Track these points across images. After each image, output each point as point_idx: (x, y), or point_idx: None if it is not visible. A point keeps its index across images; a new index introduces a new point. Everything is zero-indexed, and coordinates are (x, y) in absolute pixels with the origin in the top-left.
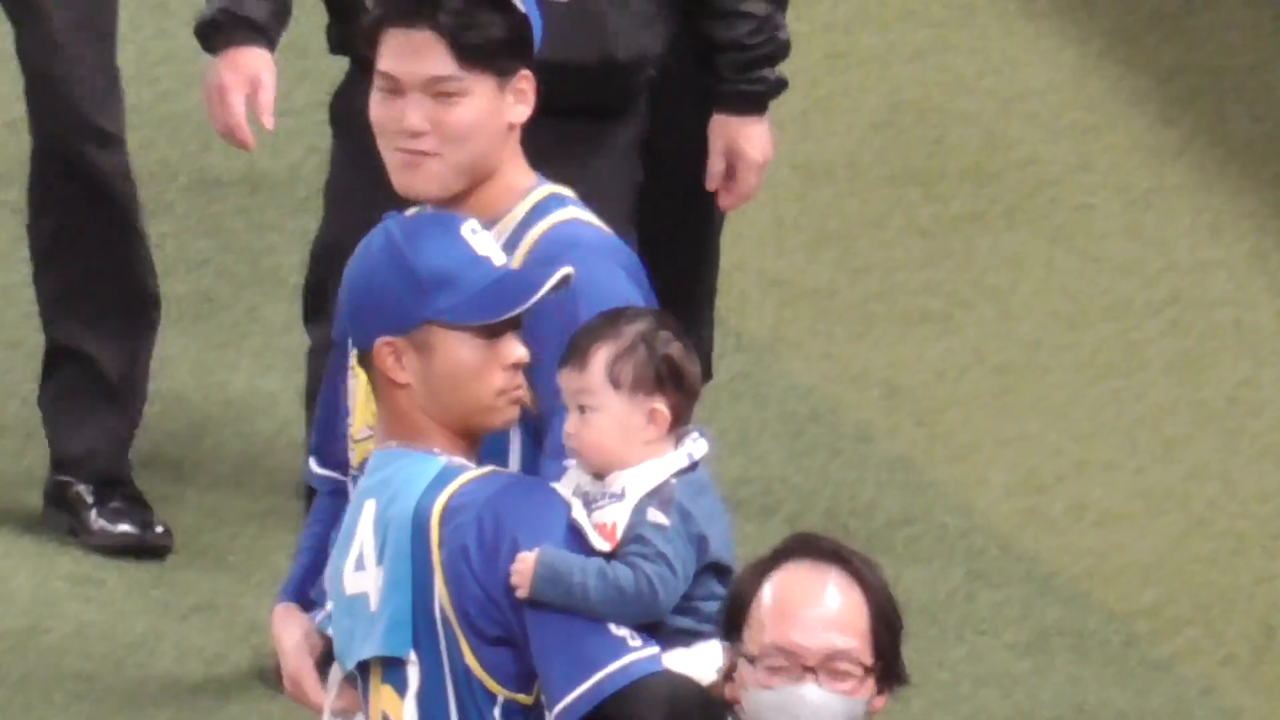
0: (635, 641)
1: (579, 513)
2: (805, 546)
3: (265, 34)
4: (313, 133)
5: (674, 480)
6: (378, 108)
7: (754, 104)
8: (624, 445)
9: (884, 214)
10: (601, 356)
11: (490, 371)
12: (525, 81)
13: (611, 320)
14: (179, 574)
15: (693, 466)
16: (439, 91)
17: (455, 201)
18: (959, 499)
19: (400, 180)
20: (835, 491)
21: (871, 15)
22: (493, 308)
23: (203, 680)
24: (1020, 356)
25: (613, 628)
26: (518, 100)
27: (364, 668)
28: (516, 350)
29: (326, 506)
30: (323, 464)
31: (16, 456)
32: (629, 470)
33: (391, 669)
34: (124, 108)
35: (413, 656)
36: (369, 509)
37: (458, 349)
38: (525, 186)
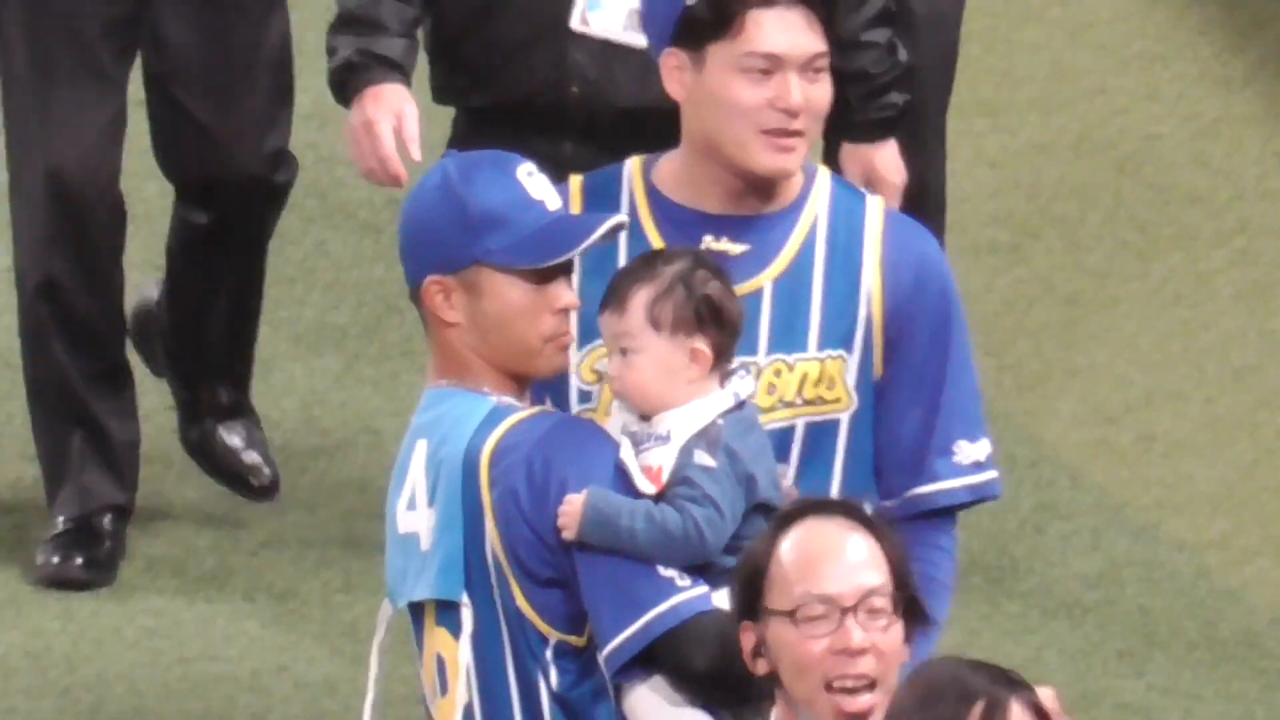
0: (684, 581)
1: (627, 454)
2: (807, 508)
3: (401, 70)
4: None
5: (720, 420)
6: (745, 89)
7: (885, 129)
8: (667, 386)
9: (952, 144)
10: (641, 298)
11: (539, 316)
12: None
13: (649, 262)
14: (248, 510)
15: (739, 405)
16: (814, 68)
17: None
18: (1028, 430)
19: (765, 161)
20: None
21: None
22: (543, 251)
23: (272, 617)
24: (1089, 287)
25: (661, 569)
26: None
27: (416, 609)
28: (566, 295)
29: None
30: None
31: None
32: (674, 411)
33: (446, 611)
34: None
35: (466, 599)
36: (421, 448)
37: (507, 291)
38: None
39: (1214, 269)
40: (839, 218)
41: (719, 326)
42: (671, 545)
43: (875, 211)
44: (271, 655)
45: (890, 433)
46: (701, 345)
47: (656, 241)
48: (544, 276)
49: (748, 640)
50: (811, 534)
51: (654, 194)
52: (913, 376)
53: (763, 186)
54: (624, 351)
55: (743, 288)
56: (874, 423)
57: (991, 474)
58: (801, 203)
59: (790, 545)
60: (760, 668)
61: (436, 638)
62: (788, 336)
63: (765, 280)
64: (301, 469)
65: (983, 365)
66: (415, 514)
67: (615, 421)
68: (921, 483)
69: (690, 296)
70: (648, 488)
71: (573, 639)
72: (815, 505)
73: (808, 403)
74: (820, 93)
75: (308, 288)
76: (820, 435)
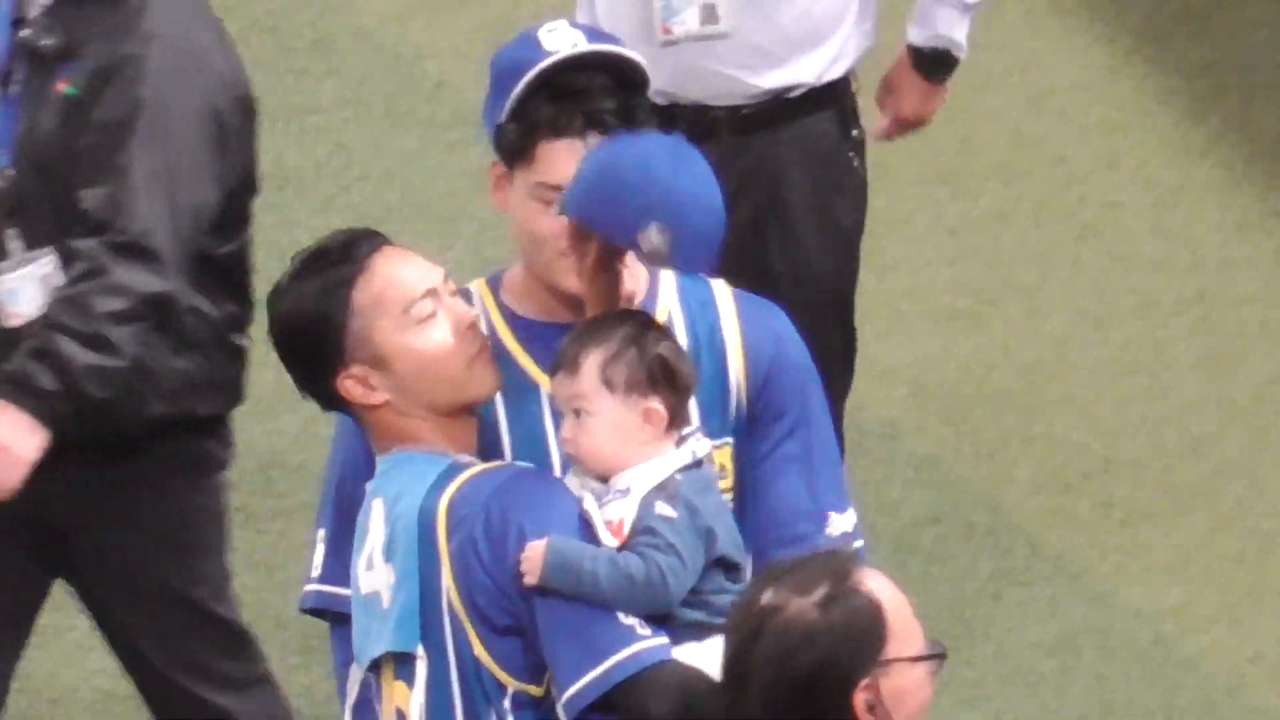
0: (644, 630)
1: (590, 505)
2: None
3: None
4: (339, 130)
5: (679, 476)
6: (540, 218)
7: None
8: (622, 447)
9: (912, 212)
10: (593, 360)
11: (449, 348)
12: None
13: (599, 325)
14: None
15: (696, 463)
16: None
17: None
18: (986, 497)
19: (570, 283)
20: (862, 490)
21: (899, 13)
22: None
23: None
24: (1047, 354)
25: (621, 616)
26: None
27: (377, 665)
28: (461, 310)
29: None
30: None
31: None
32: (632, 469)
33: (402, 664)
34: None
35: (421, 651)
36: (377, 507)
37: (410, 343)
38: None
39: (1173, 337)
40: (692, 309)
41: (672, 387)
42: (634, 591)
43: (725, 295)
44: None
45: (763, 506)
46: (655, 405)
47: (524, 361)
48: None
49: (862, 700)
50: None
51: (507, 312)
52: (781, 451)
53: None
54: (577, 413)
55: None
56: (744, 496)
57: (859, 543)
58: (651, 302)
59: (888, 590)
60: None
61: (395, 690)
62: None
63: None
64: (259, 531)
65: (940, 432)
66: (374, 573)
67: (571, 481)
68: (793, 548)
69: (643, 357)
70: (610, 541)
71: (531, 688)
72: (842, 559)
73: None
74: None
75: (266, 349)
76: None
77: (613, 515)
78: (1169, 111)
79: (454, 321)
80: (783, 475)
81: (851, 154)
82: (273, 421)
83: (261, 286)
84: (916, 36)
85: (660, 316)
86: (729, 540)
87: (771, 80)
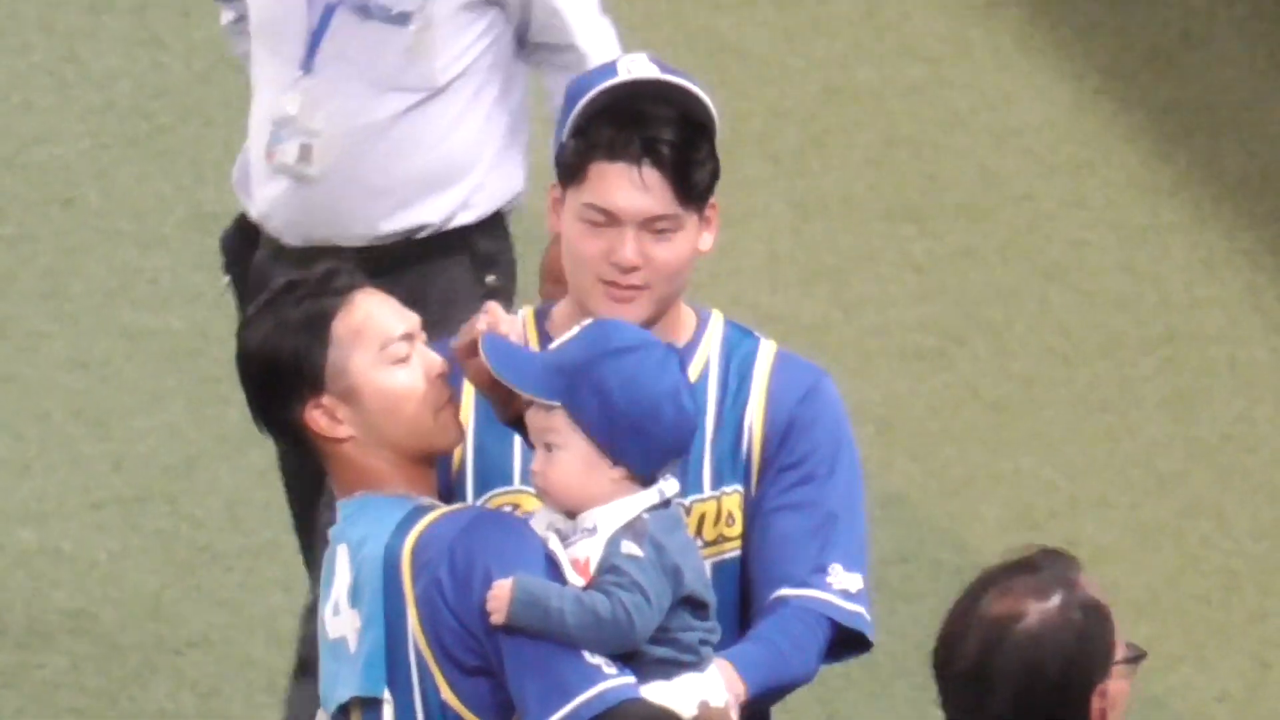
0: (610, 669)
1: (555, 545)
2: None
3: None
4: None
5: (646, 515)
6: (585, 239)
7: None
8: (590, 484)
9: (878, 249)
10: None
11: (418, 392)
12: (713, 210)
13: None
14: (173, 608)
15: (665, 503)
16: (656, 229)
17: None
18: (953, 535)
19: (601, 310)
20: None
21: (867, 51)
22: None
23: (195, 715)
24: (1014, 392)
25: (588, 655)
26: (706, 229)
27: (345, 710)
28: (432, 358)
29: None
30: None
31: (9, 490)
32: (601, 507)
33: (369, 708)
34: None
35: (387, 695)
36: (342, 552)
37: (381, 381)
38: (695, 311)
39: (1140, 376)
40: (730, 360)
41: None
42: (600, 629)
43: (767, 352)
44: None
45: (764, 549)
46: (605, 460)
47: None
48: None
49: (1097, 706)
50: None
51: (545, 340)
52: (791, 498)
53: None
54: (549, 447)
55: None
56: (749, 542)
57: (860, 608)
58: (693, 347)
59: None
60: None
61: None
62: (681, 480)
63: None
64: (227, 568)
65: (908, 470)
66: (340, 618)
67: (540, 518)
68: (788, 587)
69: None
70: (577, 580)
71: None
72: (1053, 559)
73: (709, 544)
74: (666, 252)
75: (233, 388)
76: (723, 576)
77: (579, 554)
78: (1136, 150)
79: (425, 368)
80: (786, 521)
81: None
82: (239, 459)
83: (228, 325)
84: None
85: (698, 362)
86: (696, 578)
87: (396, 222)
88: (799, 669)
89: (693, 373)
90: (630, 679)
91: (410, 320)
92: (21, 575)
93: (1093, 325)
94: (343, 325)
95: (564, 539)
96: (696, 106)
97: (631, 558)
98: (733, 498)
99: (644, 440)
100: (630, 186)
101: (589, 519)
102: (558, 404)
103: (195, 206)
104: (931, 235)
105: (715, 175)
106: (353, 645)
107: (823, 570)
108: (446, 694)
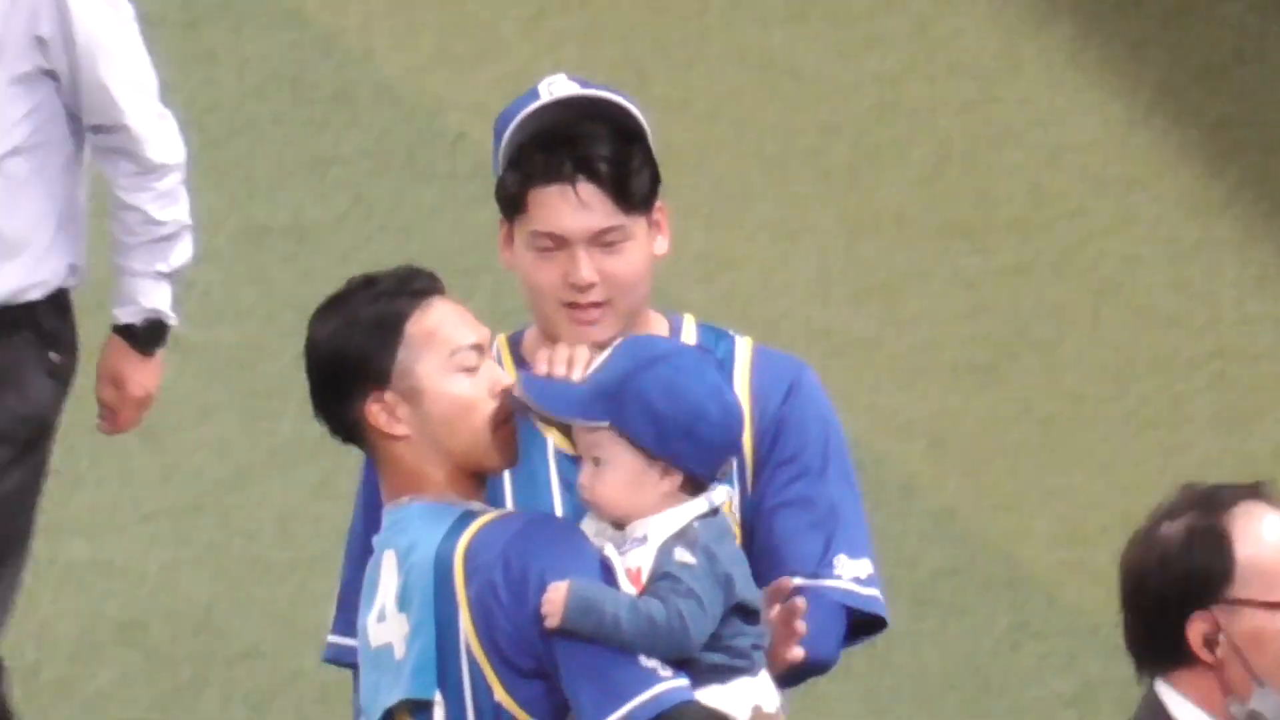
0: (665, 672)
1: (610, 551)
2: (1233, 493)
3: None
4: (359, 182)
5: (697, 523)
6: (538, 267)
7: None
8: (636, 498)
9: (930, 265)
10: None
11: (480, 403)
12: (660, 212)
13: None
14: (224, 621)
15: (714, 512)
16: (605, 242)
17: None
18: (1004, 550)
19: (570, 335)
20: (880, 543)
21: (919, 67)
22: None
23: None
24: (1066, 409)
25: (642, 659)
26: (658, 232)
27: (390, 716)
28: (498, 375)
29: None
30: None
31: (61, 503)
32: (651, 517)
33: (419, 712)
34: None
35: (438, 698)
36: (389, 559)
37: (447, 386)
38: (665, 318)
39: (1191, 392)
40: None
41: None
42: (655, 635)
43: (744, 349)
44: None
45: (766, 547)
46: (652, 463)
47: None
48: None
49: (1198, 629)
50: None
51: (522, 365)
52: (787, 494)
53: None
54: (596, 461)
55: None
56: (749, 541)
57: (874, 591)
58: None
59: (1262, 533)
60: (1207, 656)
61: None
62: None
63: None
64: (279, 580)
65: (959, 485)
66: (386, 625)
67: (588, 525)
68: (801, 580)
69: None
70: (630, 589)
71: None
72: (1237, 491)
73: None
74: (620, 264)
75: (284, 401)
76: None
77: (631, 563)
78: (1188, 166)
79: (490, 383)
80: (787, 518)
81: (50, 380)
82: (290, 472)
83: (279, 339)
84: (126, 315)
85: None
86: (746, 586)
87: None
88: (821, 654)
89: None
90: (685, 682)
91: (482, 333)
92: (73, 587)
93: (1144, 341)
94: (416, 326)
95: (616, 547)
96: (624, 117)
97: (685, 565)
98: (725, 502)
99: (696, 442)
100: (570, 206)
101: (639, 528)
102: (605, 423)
103: (246, 220)
104: (983, 251)
105: (655, 179)
106: (399, 651)
107: (830, 565)
108: (500, 695)
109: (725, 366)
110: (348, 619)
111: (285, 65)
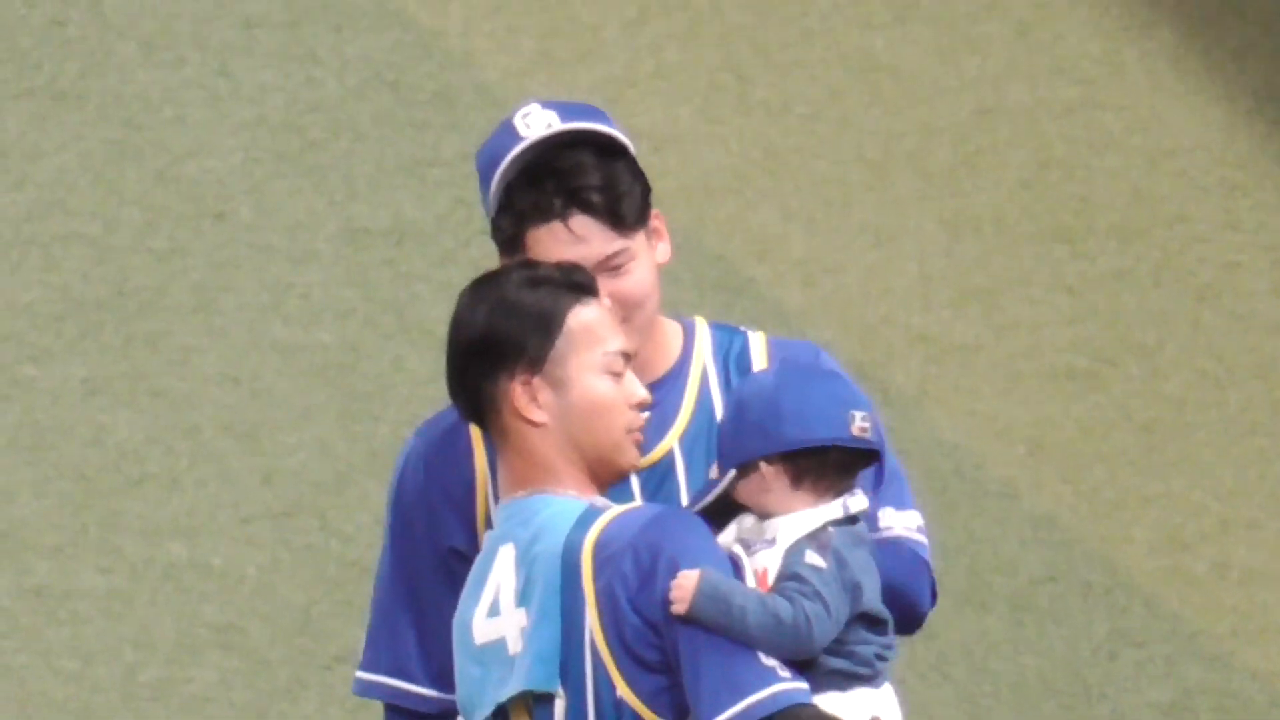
0: (784, 672)
1: (740, 550)
2: None
3: None
4: (459, 184)
5: (831, 529)
6: None
7: None
8: (743, 488)
9: (1030, 270)
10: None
11: (620, 407)
12: (657, 219)
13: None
14: (322, 623)
15: (850, 519)
16: (609, 267)
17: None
18: (1103, 557)
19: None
20: (979, 548)
21: (1020, 71)
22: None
23: None
24: (1166, 414)
25: (762, 656)
26: (658, 239)
27: (500, 714)
28: (641, 390)
29: None
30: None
31: (159, 505)
32: (784, 517)
33: (541, 705)
34: None
35: (560, 690)
36: (506, 553)
37: (594, 383)
38: (680, 324)
39: None
40: (726, 359)
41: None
42: (780, 632)
43: (758, 342)
44: None
45: None
46: (766, 467)
47: None
48: (619, 370)
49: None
50: None
51: None
52: None
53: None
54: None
55: (652, 455)
56: None
57: (923, 539)
58: (686, 358)
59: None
60: None
61: None
62: (705, 481)
63: (672, 442)
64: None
65: (1058, 491)
66: (499, 619)
67: (732, 526)
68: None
69: None
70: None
71: None
72: None
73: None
74: (628, 284)
75: (384, 404)
76: None
77: (758, 564)
78: None
79: (630, 391)
80: None
81: None
82: (389, 474)
83: (378, 341)
84: None
85: (695, 369)
86: (875, 597)
87: None
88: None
89: (693, 379)
90: (804, 684)
91: (631, 342)
92: (171, 589)
93: (1245, 347)
94: (576, 320)
95: (747, 547)
96: (604, 138)
97: (814, 568)
98: None
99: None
100: (567, 243)
101: (771, 529)
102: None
103: (347, 221)
104: (1084, 257)
105: (646, 193)
106: (514, 645)
107: (873, 519)
108: (623, 690)
109: (742, 360)
110: (377, 655)
111: (386, 67)
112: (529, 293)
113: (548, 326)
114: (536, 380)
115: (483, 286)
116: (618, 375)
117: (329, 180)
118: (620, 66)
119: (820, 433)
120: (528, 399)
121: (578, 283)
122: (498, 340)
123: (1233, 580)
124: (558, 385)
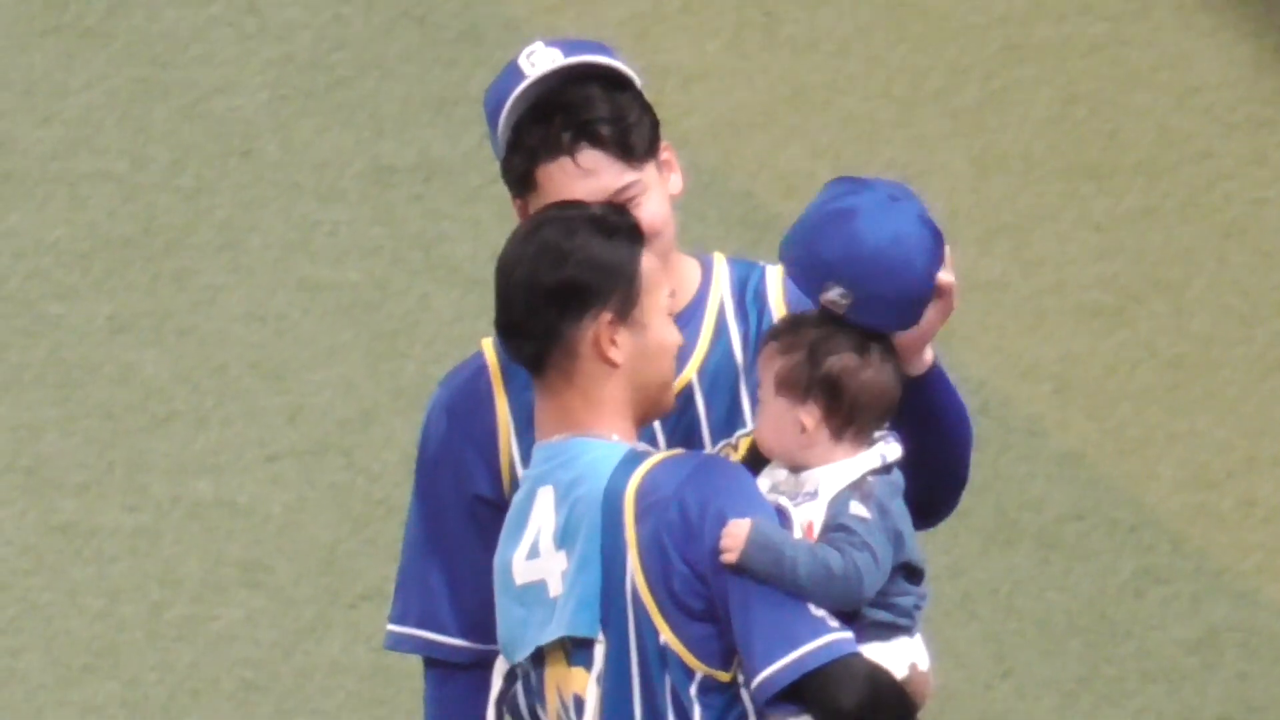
0: (833, 623)
1: (786, 503)
2: None
3: None
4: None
5: (871, 478)
6: None
7: None
8: (780, 443)
9: (1058, 207)
10: (770, 351)
11: (675, 347)
12: (667, 150)
13: (802, 319)
14: (348, 562)
15: (887, 468)
16: (622, 199)
17: None
18: (1129, 494)
19: None
20: (1005, 485)
21: (1048, 8)
22: None
23: (370, 669)
24: (1192, 351)
25: (812, 607)
26: (669, 171)
27: (538, 656)
28: (680, 335)
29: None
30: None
31: (185, 442)
32: (822, 468)
33: (580, 650)
34: None
35: (601, 636)
36: (545, 494)
37: (664, 325)
38: (699, 260)
39: None
40: (744, 293)
41: (834, 401)
42: (831, 583)
43: (775, 276)
44: (369, 709)
45: None
46: (806, 416)
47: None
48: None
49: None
50: None
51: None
52: None
53: None
54: (759, 398)
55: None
56: None
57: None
58: (704, 293)
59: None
60: None
61: (572, 677)
62: (727, 419)
63: (690, 374)
64: (402, 522)
65: (1084, 429)
66: (539, 561)
67: (765, 475)
68: None
69: (809, 366)
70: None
71: (719, 674)
72: None
73: None
74: (643, 216)
75: (410, 341)
76: None
77: (802, 517)
78: None
79: (677, 334)
80: None
81: None
82: (415, 413)
83: (406, 278)
84: None
85: (713, 304)
86: (913, 546)
87: None
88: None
89: (710, 314)
90: (851, 635)
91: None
92: (197, 528)
93: (1271, 284)
94: (647, 264)
95: (790, 500)
96: (610, 72)
97: (860, 519)
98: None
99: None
100: (578, 177)
101: (809, 483)
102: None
103: (374, 159)
104: (1110, 194)
105: (655, 125)
106: (554, 588)
107: None
108: (667, 636)
109: (759, 294)
110: (408, 607)
111: (413, 3)
112: (605, 241)
113: (631, 274)
114: (621, 325)
115: (547, 232)
116: (671, 316)
117: (356, 118)
118: (648, 2)
119: (792, 268)
120: (607, 340)
121: (634, 227)
122: (582, 286)
123: (1259, 517)
124: (637, 329)
